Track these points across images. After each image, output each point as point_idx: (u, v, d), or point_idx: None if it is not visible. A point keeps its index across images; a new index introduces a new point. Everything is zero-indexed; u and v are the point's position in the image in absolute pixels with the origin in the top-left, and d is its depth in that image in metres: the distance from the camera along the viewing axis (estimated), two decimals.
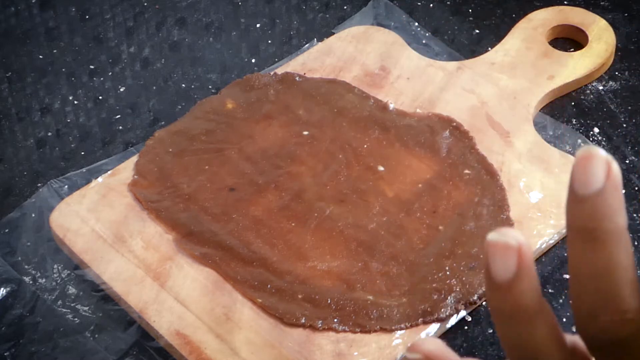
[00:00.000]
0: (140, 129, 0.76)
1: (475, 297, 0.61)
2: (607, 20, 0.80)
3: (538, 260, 0.65)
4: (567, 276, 0.64)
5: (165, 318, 0.60)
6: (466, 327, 0.61)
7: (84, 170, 0.71)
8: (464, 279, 0.62)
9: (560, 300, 0.63)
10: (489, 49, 0.80)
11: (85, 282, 0.64)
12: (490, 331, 0.61)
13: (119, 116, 0.77)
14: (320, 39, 0.83)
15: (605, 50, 0.78)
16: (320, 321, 0.60)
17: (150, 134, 0.73)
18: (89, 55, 0.82)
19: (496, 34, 0.83)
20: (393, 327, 0.60)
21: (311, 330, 0.60)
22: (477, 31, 0.84)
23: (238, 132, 0.72)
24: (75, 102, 0.78)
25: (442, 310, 0.60)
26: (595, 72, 0.78)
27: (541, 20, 0.81)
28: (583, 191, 0.31)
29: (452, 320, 0.61)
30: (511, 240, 0.31)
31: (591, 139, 0.74)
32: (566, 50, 0.80)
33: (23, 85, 0.79)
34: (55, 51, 0.82)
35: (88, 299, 0.63)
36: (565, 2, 0.85)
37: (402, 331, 0.60)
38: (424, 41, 0.82)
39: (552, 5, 0.83)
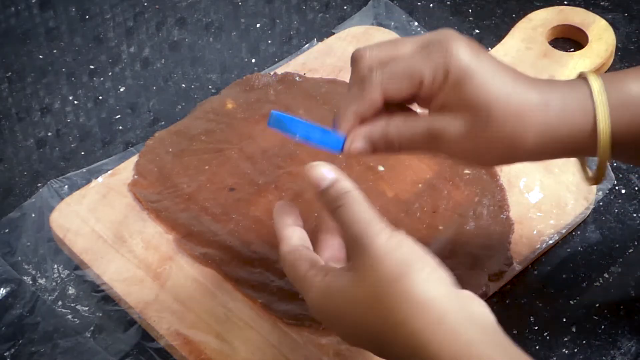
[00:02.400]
0: (140, 129, 0.76)
1: None
2: (607, 20, 0.80)
3: (538, 260, 0.65)
4: (567, 276, 0.65)
5: (165, 318, 0.60)
6: None
7: (84, 170, 0.71)
8: (464, 279, 0.62)
9: (560, 300, 0.63)
10: (489, 49, 0.80)
11: (85, 282, 0.64)
12: None
13: (119, 116, 0.77)
14: (320, 39, 0.83)
15: (605, 50, 0.78)
16: (322, 324, 0.60)
17: (150, 134, 0.73)
18: (89, 55, 0.82)
19: (496, 34, 0.83)
20: None
21: (311, 330, 0.60)
22: (477, 31, 0.84)
23: (238, 132, 0.72)
24: (75, 102, 0.78)
25: None
26: (595, 72, 0.78)
27: (541, 20, 0.81)
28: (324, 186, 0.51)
29: None
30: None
31: None
32: (566, 50, 0.80)
33: (23, 85, 0.79)
34: (55, 51, 0.82)
35: (88, 299, 0.63)
36: (565, 2, 0.85)
37: None
38: None
39: (552, 5, 0.83)
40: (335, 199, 0.50)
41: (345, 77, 0.77)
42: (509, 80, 0.51)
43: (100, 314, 0.62)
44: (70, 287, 0.64)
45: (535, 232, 0.65)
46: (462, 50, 0.51)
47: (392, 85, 0.52)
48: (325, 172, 0.51)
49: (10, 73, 0.80)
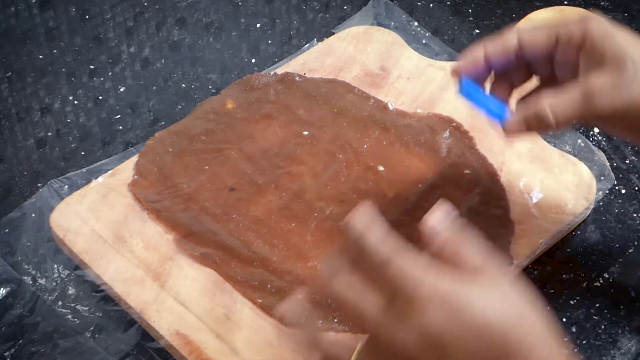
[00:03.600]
0: (140, 129, 0.76)
1: None
2: None
3: (538, 260, 0.65)
4: (567, 276, 0.65)
5: (165, 318, 0.60)
6: None
7: (84, 170, 0.71)
8: None
9: (560, 301, 0.63)
10: None
11: (85, 282, 0.64)
12: None
13: (119, 116, 0.77)
14: (320, 39, 0.83)
15: None
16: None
17: (150, 134, 0.73)
18: (89, 55, 0.82)
19: (496, 34, 0.83)
20: None
21: None
22: (477, 31, 0.84)
23: (238, 132, 0.72)
24: (75, 102, 0.78)
25: None
26: None
27: (541, 20, 0.81)
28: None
29: None
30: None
31: (591, 139, 0.74)
32: None
33: (23, 85, 0.79)
34: (55, 51, 0.82)
35: (88, 299, 0.63)
36: (565, 2, 0.85)
37: None
38: (424, 41, 0.82)
39: (552, 5, 0.83)
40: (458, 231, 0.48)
41: (345, 77, 0.78)
42: None
43: (100, 314, 0.62)
44: (70, 287, 0.64)
45: (535, 232, 0.65)
46: (599, 19, 0.56)
47: (529, 36, 0.57)
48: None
49: (10, 73, 0.80)
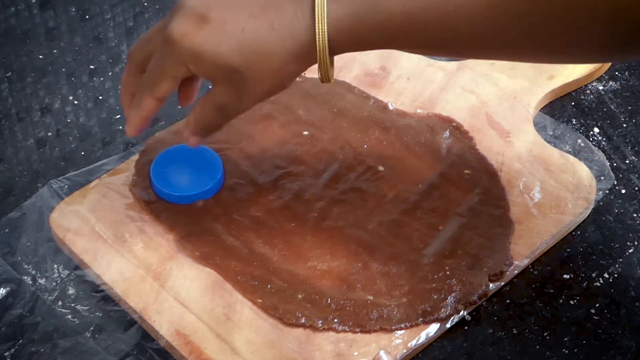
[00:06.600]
0: None
1: (475, 297, 0.61)
2: None
3: (538, 260, 0.65)
4: (567, 276, 0.65)
5: (165, 318, 0.60)
6: (466, 327, 0.61)
7: (84, 170, 0.71)
8: (464, 279, 0.62)
9: (560, 301, 0.63)
10: None
11: (85, 282, 0.64)
12: (490, 331, 0.61)
13: (119, 116, 0.77)
14: None
15: None
16: (320, 321, 0.60)
17: (151, 134, 0.73)
18: (89, 55, 0.82)
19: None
20: (393, 327, 0.60)
21: (311, 330, 0.60)
22: None
23: (238, 132, 0.72)
24: (75, 102, 0.78)
25: (442, 310, 0.60)
26: (595, 72, 0.78)
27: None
28: None
29: (452, 320, 0.61)
30: None
31: (591, 139, 0.74)
32: None
33: (23, 85, 0.79)
34: (55, 51, 0.82)
35: (88, 299, 0.63)
36: None
37: (402, 331, 0.60)
38: None
39: None
40: None
41: (345, 77, 0.78)
42: (234, 37, 0.57)
43: (100, 314, 0.62)
44: (70, 287, 0.64)
45: (535, 232, 0.65)
46: (184, 44, 0.57)
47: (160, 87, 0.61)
48: None
49: (10, 73, 0.80)
